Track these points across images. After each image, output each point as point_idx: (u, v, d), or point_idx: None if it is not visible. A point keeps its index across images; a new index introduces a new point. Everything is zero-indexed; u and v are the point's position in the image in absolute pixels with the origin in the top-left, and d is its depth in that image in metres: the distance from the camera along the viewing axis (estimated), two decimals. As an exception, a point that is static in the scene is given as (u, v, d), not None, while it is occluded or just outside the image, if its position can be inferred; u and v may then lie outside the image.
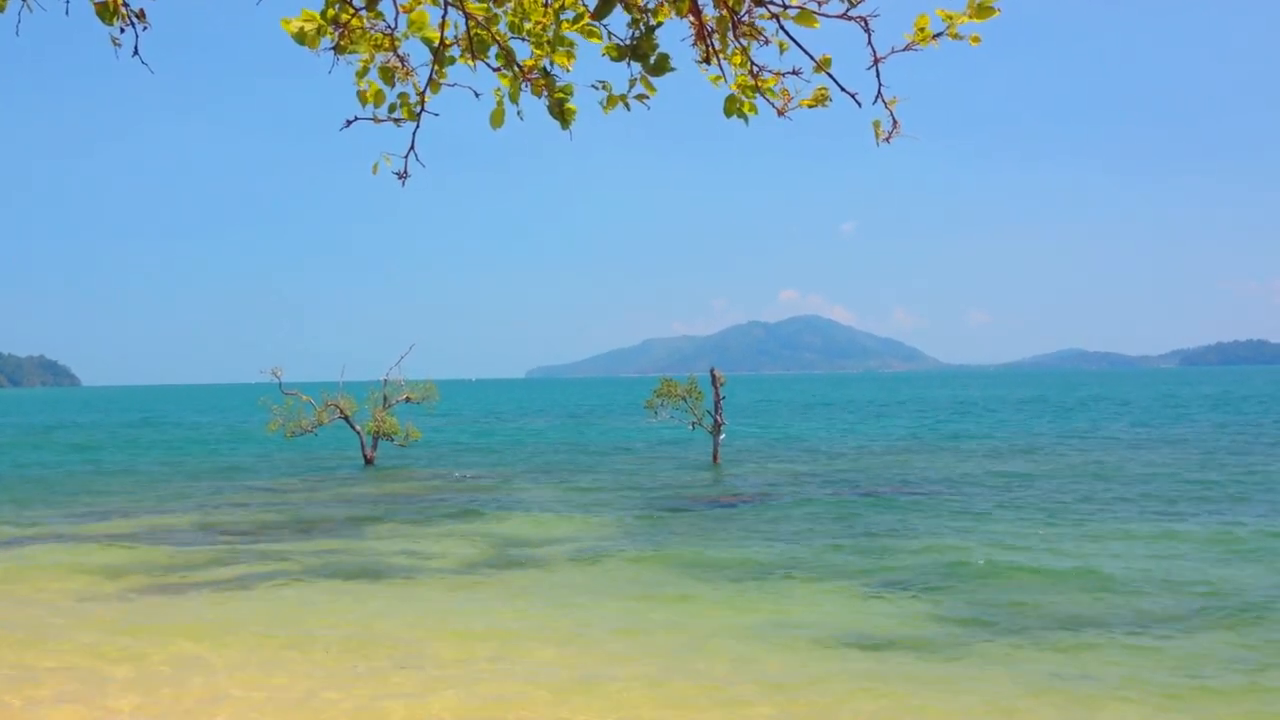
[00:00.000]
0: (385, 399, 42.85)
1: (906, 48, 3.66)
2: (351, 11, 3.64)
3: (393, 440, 43.09)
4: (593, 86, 3.79)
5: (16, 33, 4.81)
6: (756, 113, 3.80)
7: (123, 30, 4.38)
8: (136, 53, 4.48)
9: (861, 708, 11.45)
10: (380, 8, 3.69)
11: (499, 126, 3.84)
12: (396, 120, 3.89)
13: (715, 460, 41.22)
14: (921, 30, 3.61)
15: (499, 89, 3.79)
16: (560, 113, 3.75)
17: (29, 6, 3.94)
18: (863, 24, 3.66)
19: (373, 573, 19.67)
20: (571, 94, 3.75)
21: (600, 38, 3.67)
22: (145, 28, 4.32)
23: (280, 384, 42.37)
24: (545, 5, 3.67)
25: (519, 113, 3.81)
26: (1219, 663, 13.03)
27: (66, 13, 4.47)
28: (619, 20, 3.60)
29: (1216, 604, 16.10)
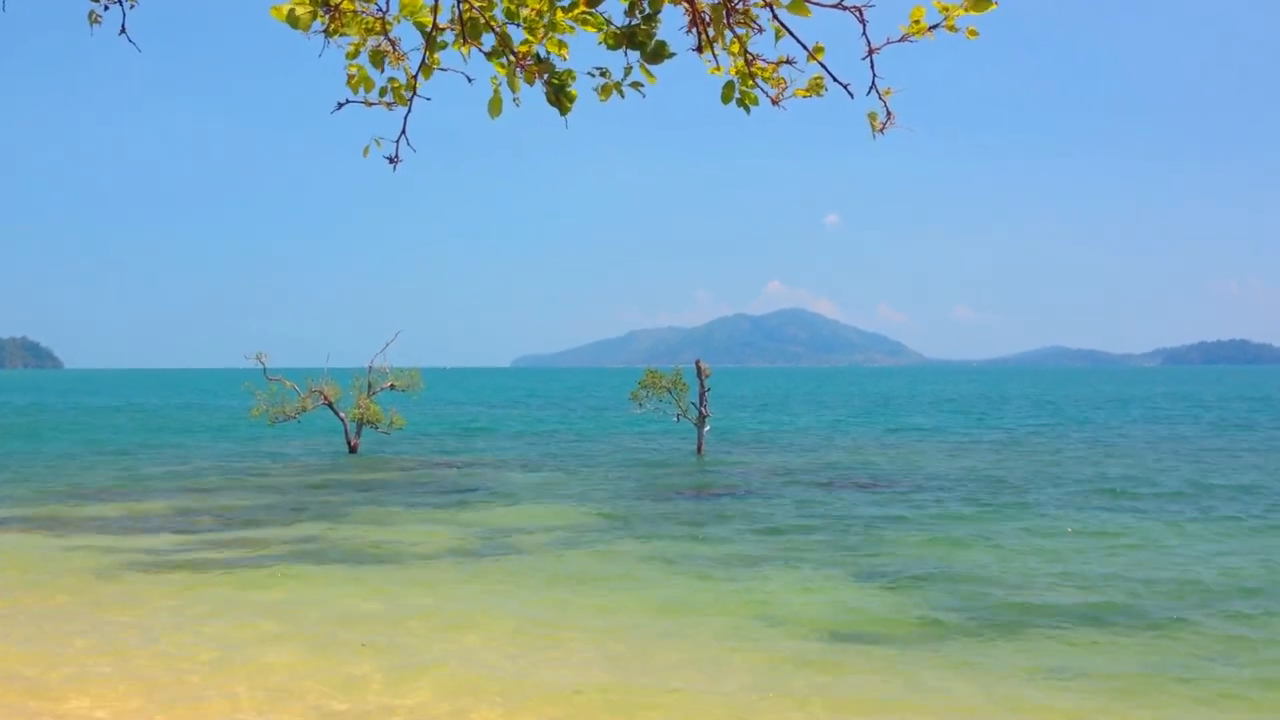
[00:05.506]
0: (370, 386, 42.75)
1: (902, 39, 3.63)
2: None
3: (376, 427, 43.05)
4: (590, 74, 3.75)
5: (3, 8, 4.73)
6: (757, 103, 3.77)
7: (106, 8, 4.30)
8: (124, 30, 4.40)
9: (844, 699, 11.48)
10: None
11: (497, 115, 3.79)
12: (388, 104, 3.85)
13: (700, 452, 41.26)
14: (917, 22, 3.59)
15: (495, 77, 3.75)
16: (558, 99, 3.71)
17: (15, -17, 3.88)
18: (857, 14, 3.64)
19: (355, 559, 19.63)
20: (573, 80, 3.70)
21: (595, 27, 3.63)
22: (133, 5, 4.25)
23: (265, 369, 42.20)
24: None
25: (515, 100, 3.76)
26: (1221, 661, 13.10)
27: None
28: (616, 9, 3.56)
29: (1215, 601, 16.19)
